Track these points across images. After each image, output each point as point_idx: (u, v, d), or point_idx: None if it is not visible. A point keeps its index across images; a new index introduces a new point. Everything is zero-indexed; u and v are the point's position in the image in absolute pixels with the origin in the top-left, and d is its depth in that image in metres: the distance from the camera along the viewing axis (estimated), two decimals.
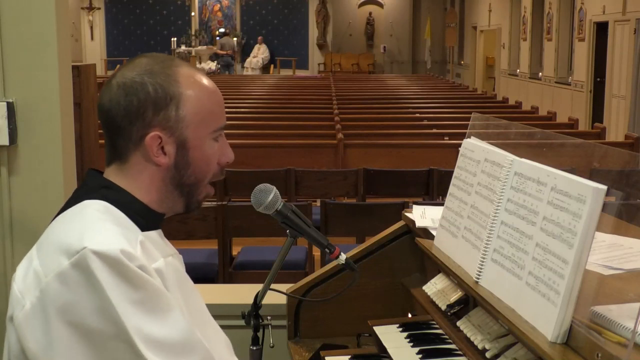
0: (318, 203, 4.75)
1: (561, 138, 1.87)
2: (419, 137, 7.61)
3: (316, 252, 4.37)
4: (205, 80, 1.43)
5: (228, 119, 1.48)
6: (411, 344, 1.89)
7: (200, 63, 22.26)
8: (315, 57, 24.05)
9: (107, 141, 1.41)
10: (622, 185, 1.49)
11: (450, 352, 1.80)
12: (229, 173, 4.92)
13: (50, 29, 2.14)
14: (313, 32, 23.99)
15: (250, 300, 1.90)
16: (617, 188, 1.44)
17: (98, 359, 1.23)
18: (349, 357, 2.01)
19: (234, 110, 9.73)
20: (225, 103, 1.49)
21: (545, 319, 1.37)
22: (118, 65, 20.50)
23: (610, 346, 1.23)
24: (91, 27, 23.28)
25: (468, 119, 2.03)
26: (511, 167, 1.64)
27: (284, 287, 2.18)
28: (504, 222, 1.60)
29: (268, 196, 1.69)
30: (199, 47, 23.36)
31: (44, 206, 2.18)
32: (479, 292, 1.60)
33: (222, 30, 23.70)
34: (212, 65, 22.00)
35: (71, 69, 2.35)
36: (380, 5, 24.12)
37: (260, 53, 23.65)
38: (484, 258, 1.64)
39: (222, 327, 1.59)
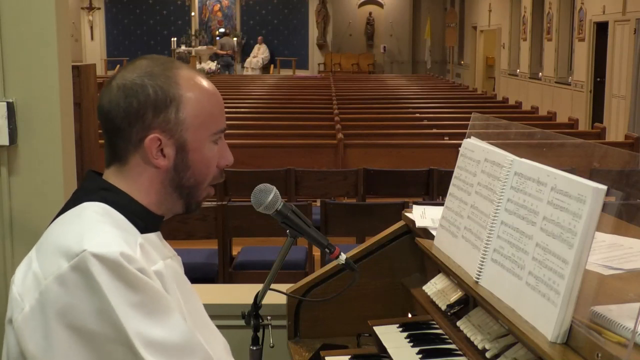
0: (318, 203, 4.75)
1: (561, 138, 1.87)
2: (419, 137, 7.60)
3: (316, 252, 4.37)
4: (206, 83, 1.43)
5: (228, 119, 1.48)
6: (411, 344, 1.89)
7: (200, 63, 22.26)
8: (315, 57, 24.05)
9: (107, 143, 1.41)
10: (622, 185, 1.49)
11: (450, 352, 1.80)
12: (229, 173, 4.92)
13: (50, 29, 2.14)
14: (313, 32, 23.99)
15: (250, 300, 1.90)
16: (617, 188, 1.44)
17: None
18: (349, 357, 2.01)
19: (234, 110, 9.73)
20: (225, 103, 1.49)
21: (545, 319, 1.37)
22: (118, 66, 20.52)
23: (610, 346, 1.23)
24: (91, 27, 23.28)
25: (468, 119, 2.03)
26: (511, 167, 1.64)
27: (284, 287, 2.18)
28: (504, 222, 1.60)
29: (268, 196, 1.69)
30: (199, 47, 23.36)
31: (44, 206, 2.18)
32: (479, 292, 1.60)
33: (222, 30, 23.70)
34: (212, 65, 21.99)
35: (71, 69, 2.35)
36: (380, 5, 24.12)
37: (260, 53, 23.66)
38: (484, 258, 1.64)
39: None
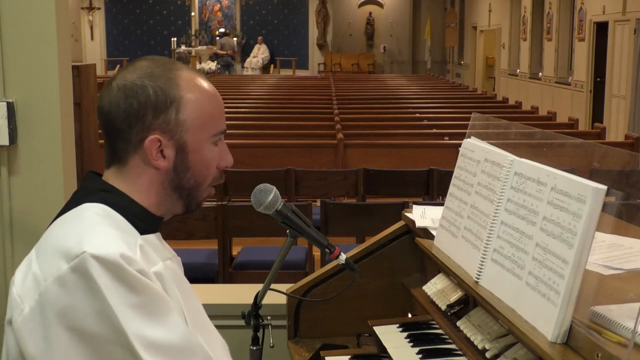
0: (318, 203, 4.75)
1: (561, 138, 1.87)
2: (419, 137, 7.61)
3: (316, 252, 4.37)
4: (206, 84, 1.43)
5: (228, 119, 1.49)
6: (411, 344, 1.89)
7: (200, 63, 22.26)
8: (315, 57, 24.05)
9: (107, 143, 1.41)
10: (622, 185, 1.49)
11: (450, 352, 1.80)
12: (229, 173, 4.92)
13: (50, 29, 2.14)
14: (313, 32, 23.99)
15: (250, 300, 1.90)
16: (617, 188, 1.44)
17: None
18: (349, 357, 2.01)
19: (234, 110, 9.73)
20: (225, 103, 1.49)
21: (545, 319, 1.37)
22: (118, 66, 20.53)
23: (610, 346, 1.23)
24: (91, 27, 23.28)
25: (468, 119, 2.03)
26: (511, 167, 1.64)
27: (284, 287, 2.18)
28: (504, 222, 1.60)
29: (268, 196, 1.69)
30: (199, 47, 23.36)
31: (44, 206, 2.18)
32: (479, 292, 1.60)
33: (222, 30, 23.70)
34: (212, 65, 21.99)
35: (71, 69, 2.35)
36: (380, 5, 24.12)
37: (260, 53, 23.66)
38: (484, 258, 1.64)
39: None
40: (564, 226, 1.38)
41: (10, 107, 2.13)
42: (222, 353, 1.48)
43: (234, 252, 4.59)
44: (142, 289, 1.24)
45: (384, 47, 24.05)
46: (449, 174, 1.94)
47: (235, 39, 23.53)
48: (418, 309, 2.09)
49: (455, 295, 1.82)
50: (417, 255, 2.22)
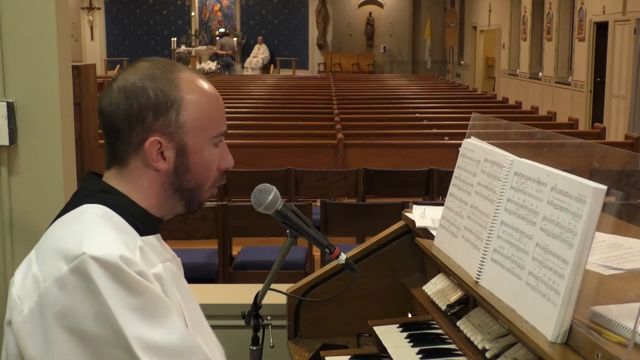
0: (318, 203, 4.75)
1: (561, 138, 1.87)
2: (419, 137, 7.60)
3: (316, 252, 4.37)
4: (207, 86, 1.42)
5: (228, 119, 1.48)
6: (411, 344, 1.89)
7: (200, 63, 22.26)
8: (315, 57, 24.05)
9: (107, 145, 1.41)
10: (622, 185, 1.49)
11: (450, 352, 1.80)
12: (229, 173, 4.90)
13: (50, 29, 2.14)
14: (313, 32, 23.99)
15: (250, 300, 1.90)
16: (617, 188, 1.44)
17: None
18: (349, 357, 2.01)
19: (234, 110, 9.73)
20: (225, 103, 1.49)
21: (545, 319, 1.37)
22: (118, 66, 20.55)
23: (610, 346, 1.23)
24: (91, 27, 23.28)
25: (468, 119, 2.03)
26: (511, 167, 1.64)
27: (284, 287, 2.18)
28: (504, 222, 1.60)
29: (268, 196, 1.69)
30: (199, 47, 23.35)
31: (44, 206, 2.18)
32: (479, 292, 1.60)
33: (222, 30, 23.70)
34: (212, 65, 22.00)
35: (71, 69, 2.35)
36: (380, 5, 24.12)
37: (260, 53, 23.65)
38: (484, 258, 1.64)
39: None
40: (564, 226, 1.38)
41: (10, 107, 2.13)
42: (218, 355, 1.48)
43: (234, 252, 4.59)
44: (141, 291, 1.24)
45: (384, 47, 24.05)
46: (449, 174, 1.94)
47: (235, 39, 23.53)
48: (418, 309, 2.09)
49: (455, 295, 1.82)
50: (417, 255, 2.22)
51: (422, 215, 2.18)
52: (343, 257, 1.76)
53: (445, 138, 7.54)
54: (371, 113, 10.09)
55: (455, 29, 22.28)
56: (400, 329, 1.99)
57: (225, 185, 5.44)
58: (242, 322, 1.92)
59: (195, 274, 4.02)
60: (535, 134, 1.95)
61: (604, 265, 1.61)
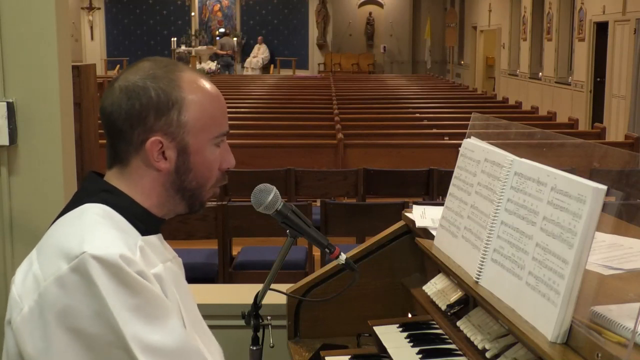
0: (318, 203, 4.75)
1: (561, 138, 1.87)
2: (419, 137, 7.60)
3: (316, 252, 4.37)
4: (208, 86, 1.42)
5: (228, 119, 1.48)
6: (411, 344, 1.89)
7: (200, 63, 22.26)
8: (315, 57, 24.05)
9: (109, 144, 1.41)
10: (622, 185, 1.49)
11: (450, 352, 1.80)
12: (229, 173, 4.90)
13: (50, 29, 2.14)
14: (313, 32, 23.99)
15: (250, 300, 1.90)
16: (617, 188, 1.44)
17: None
18: (349, 357, 2.01)
19: (234, 110, 9.73)
20: (226, 103, 1.49)
21: (545, 319, 1.37)
22: (118, 66, 20.55)
23: (610, 346, 1.23)
24: (91, 27, 23.28)
25: (468, 119, 2.03)
26: (511, 167, 1.64)
27: (284, 287, 2.18)
28: (504, 222, 1.60)
29: (268, 196, 1.69)
30: (199, 47, 23.35)
31: (44, 206, 2.18)
32: (479, 292, 1.60)
33: (222, 30, 23.70)
34: (212, 65, 22.00)
35: (71, 69, 2.35)
36: (380, 5, 24.12)
37: (260, 53, 23.65)
38: (484, 258, 1.64)
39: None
40: (564, 226, 1.38)
41: (10, 107, 2.13)
42: (217, 356, 1.48)
43: (234, 252, 4.59)
44: (140, 291, 1.24)
45: (384, 47, 24.05)
46: (449, 174, 1.94)
47: (235, 39, 23.52)
48: (418, 309, 2.09)
49: (455, 295, 1.82)
50: (417, 255, 2.22)
51: (422, 215, 2.18)
52: (343, 257, 1.76)
53: (445, 138, 7.54)
54: (371, 113, 10.09)
55: (455, 29, 22.29)
56: (400, 329, 1.99)
57: (225, 185, 5.43)
58: (242, 322, 1.92)
59: (195, 274, 4.02)
60: (535, 134, 1.95)
61: (604, 265, 1.61)
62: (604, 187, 1.33)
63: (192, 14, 24.11)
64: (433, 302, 1.90)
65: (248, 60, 23.69)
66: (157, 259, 1.36)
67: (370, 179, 5.54)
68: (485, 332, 1.62)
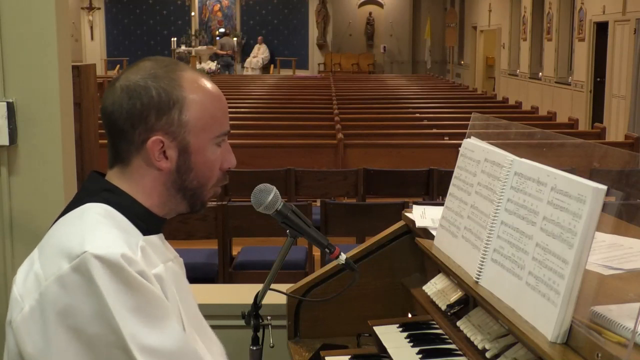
0: (318, 203, 4.75)
1: (561, 138, 1.87)
2: (419, 137, 7.60)
3: (316, 252, 4.37)
4: (210, 86, 1.42)
5: (228, 119, 1.48)
6: (411, 344, 1.89)
7: (200, 63, 22.26)
8: (315, 57, 24.05)
9: (110, 144, 1.41)
10: (622, 185, 1.49)
11: (450, 352, 1.80)
12: (229, 173, 4.91)
13: (50, 29, 2.14)
14: (313, 32, 23.99)
15: (250, 300, 1.90)
16: (617, 188, 1.44)
17: None
18: (349, 357, 2.01)
19: (234, 110, 9.73)
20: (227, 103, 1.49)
21: (545, 319, 1.37)
22: (118, 66, 20.54)
23: (610, 346, 1.23)
24: (91, 27, 23.27)
25: (468, 119, 2.03)
26: (511, 167, 1.64)
27: (284, 287, 2.18)
28: (504, 222, 1.60)
29: (268, 196, 1.69)
30: (199, 47, 23.35)
31: (44, 206, 2.18)
32: (479, 292, 1.60)
33: (222, 30, 23.69)
34: (212, 65, 21.99)
35: (71, 69, 2.35)
36: (380, 5, 24.12)
37: (260, 53, 23.65)
38: (484, 258, 1.64)
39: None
40: (564, 226, 1.38)
41: (10, 107, 2.13)
42: (218, 356, 1.48)
43: (234, 252, 4.59)
44: (140, 291, 1.24)
45: (384, 47, 24.05)
46: (449, 174, 1.95)
47: (235, 39, 23.52)
48: (418, 309, 2.09)
49: (455, 295, 1.82)
50: (417, 255, 2.22)
51: (422, 215, 2.18)
52: (343, 257, 1.76)
53: (445, 138, 7.54)
54: (371, 113, 10.09)
55: (455, 29, 22.28)
56: (400, 329, 1.99)
57: (225, 185, 5.43)
58: (242, 322, 1.92)
59: (195, 274, 4.01)
60: (535, 134, 1.95)
61: (604, 265, 1.61)
62: (604, 187, 1.33)
63: (192, 14, 24.11)
64: (433, 302, 1.90)
65: (248, 60, 23.68)
66: (158, 259, 1.36)
67: (370, 179, 5.54)
68: (485, 332, 1.62)
